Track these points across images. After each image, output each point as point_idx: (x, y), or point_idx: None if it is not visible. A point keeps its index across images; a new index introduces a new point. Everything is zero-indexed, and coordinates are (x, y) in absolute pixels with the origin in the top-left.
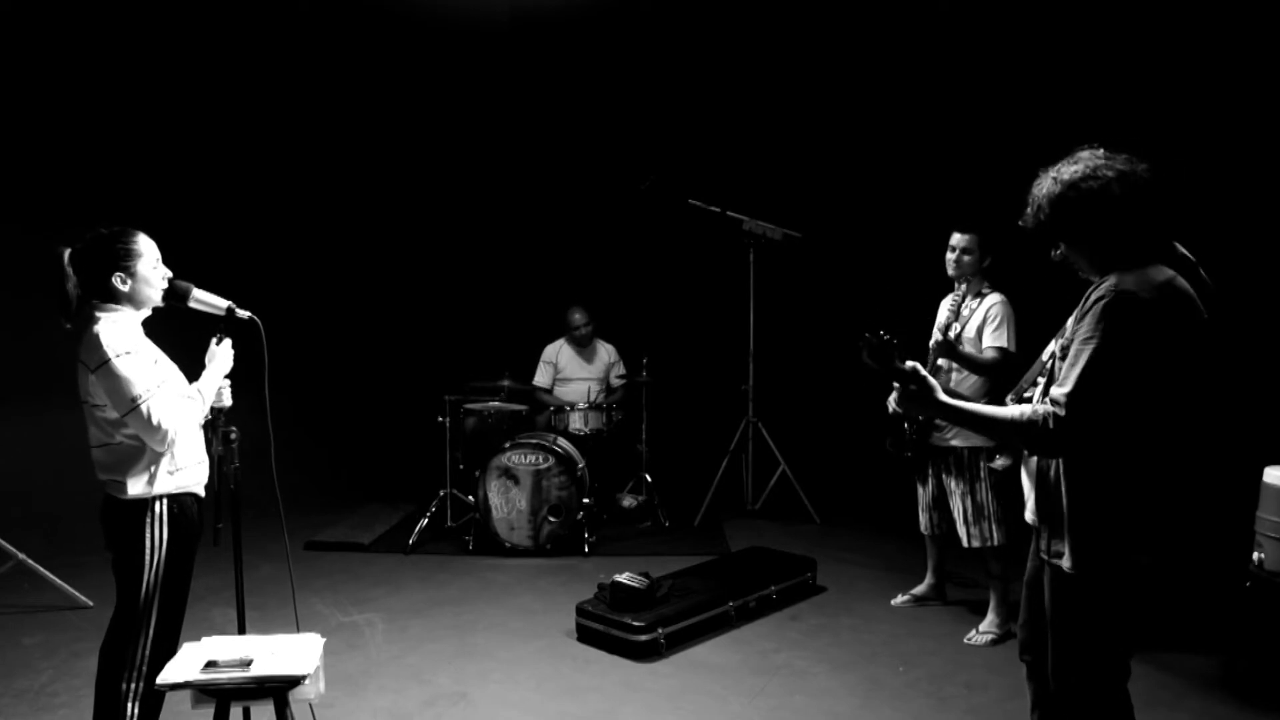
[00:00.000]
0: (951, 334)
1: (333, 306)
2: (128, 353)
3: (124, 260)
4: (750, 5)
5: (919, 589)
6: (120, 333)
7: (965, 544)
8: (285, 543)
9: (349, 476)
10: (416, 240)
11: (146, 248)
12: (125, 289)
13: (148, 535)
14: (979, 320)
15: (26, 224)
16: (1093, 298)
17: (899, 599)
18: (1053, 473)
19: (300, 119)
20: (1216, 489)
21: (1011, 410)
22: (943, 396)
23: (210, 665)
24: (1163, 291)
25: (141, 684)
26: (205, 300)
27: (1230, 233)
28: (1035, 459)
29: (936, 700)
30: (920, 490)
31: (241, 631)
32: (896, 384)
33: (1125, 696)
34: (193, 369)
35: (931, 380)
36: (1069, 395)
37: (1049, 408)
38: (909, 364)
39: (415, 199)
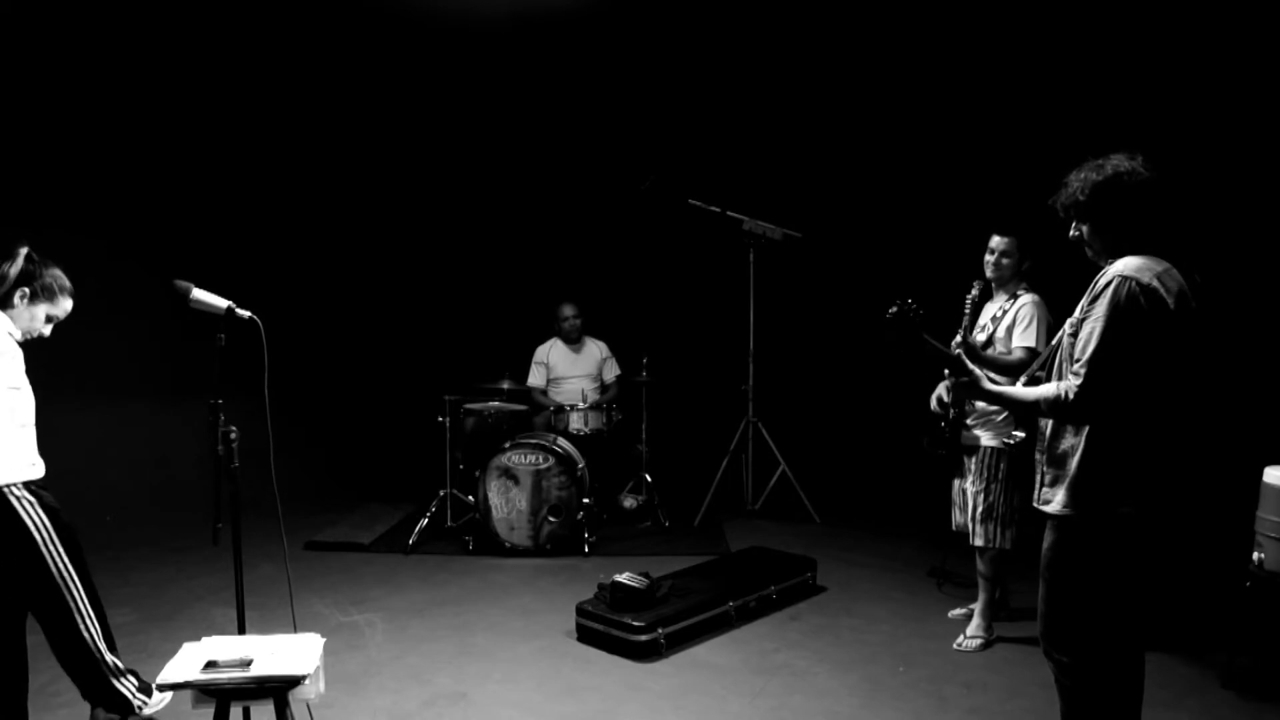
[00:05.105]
0: (983, 335)
1: (333, 307)
2: None
3: None
4: (750, 5)
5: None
6: None
7: (970, 541)
8: (283, 543)
9: (349, 476)
10: (416, 240)
11: None
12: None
13: None
14: (1009, 321)
15: (30, 224)
16: (1101, 283)
17: (956, 612)
18: (1059, 433)
19: (300, 119)
20: (1210, 459)
21: (1043, 389)
22: (988, 385)
23: (210, 665)
24: (1160, 278)
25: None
26: (205, 300)
27: (1231, 235)
28: (1049, 423)
29: (936, 700)
30: (956, 487)
31: (241, 631)
32: (935, 361)
33: (1128, 674)
34: (194, 369)
35: (977, 370)
36: (1086, 365)
37: (1070, 381)
38: (956, 350)
39: (415, 199)
